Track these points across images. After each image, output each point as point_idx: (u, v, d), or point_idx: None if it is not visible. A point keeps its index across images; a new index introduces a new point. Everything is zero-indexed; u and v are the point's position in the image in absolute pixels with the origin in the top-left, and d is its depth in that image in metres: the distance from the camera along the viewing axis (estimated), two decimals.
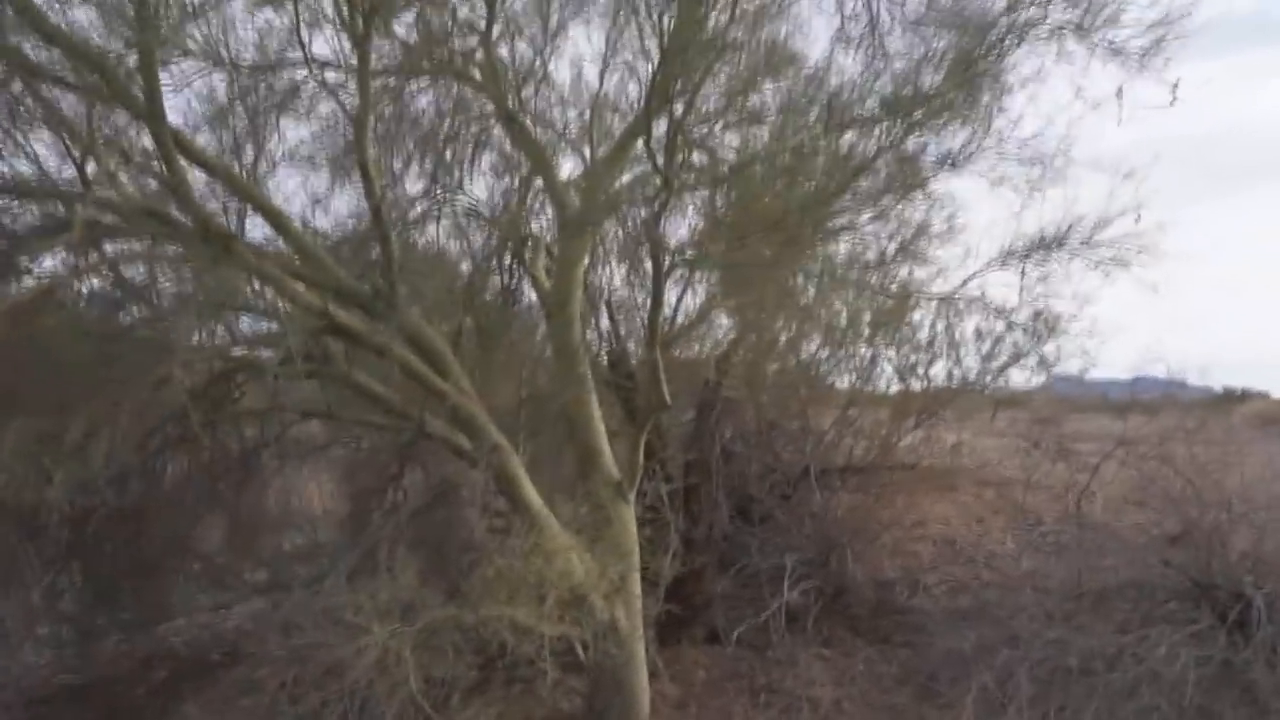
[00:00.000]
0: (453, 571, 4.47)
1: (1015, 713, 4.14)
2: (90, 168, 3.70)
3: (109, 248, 4.36)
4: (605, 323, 6.12)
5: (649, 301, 4.42)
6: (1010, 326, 8.61)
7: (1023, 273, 6.43)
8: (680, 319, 5.39)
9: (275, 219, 4.27)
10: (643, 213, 4.06)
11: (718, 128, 4.83)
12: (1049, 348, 7.93)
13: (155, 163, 3.70)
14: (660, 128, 4.20)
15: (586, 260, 5.82)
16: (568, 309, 5.34)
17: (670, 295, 5.88)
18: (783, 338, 8.26)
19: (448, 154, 6.55)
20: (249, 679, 3.99)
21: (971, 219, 8.98)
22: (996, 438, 10.22)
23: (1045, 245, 6.21)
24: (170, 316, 3.70)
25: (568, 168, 6.23)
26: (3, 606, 6.03)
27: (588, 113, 5.78)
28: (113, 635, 6.36)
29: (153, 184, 4.20)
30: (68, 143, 3.77)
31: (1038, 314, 6.97)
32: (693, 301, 5.98)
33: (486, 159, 6.74)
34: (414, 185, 6.67)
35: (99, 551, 5.76)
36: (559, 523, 4.98)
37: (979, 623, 5.42)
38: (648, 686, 5.38)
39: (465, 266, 6.45)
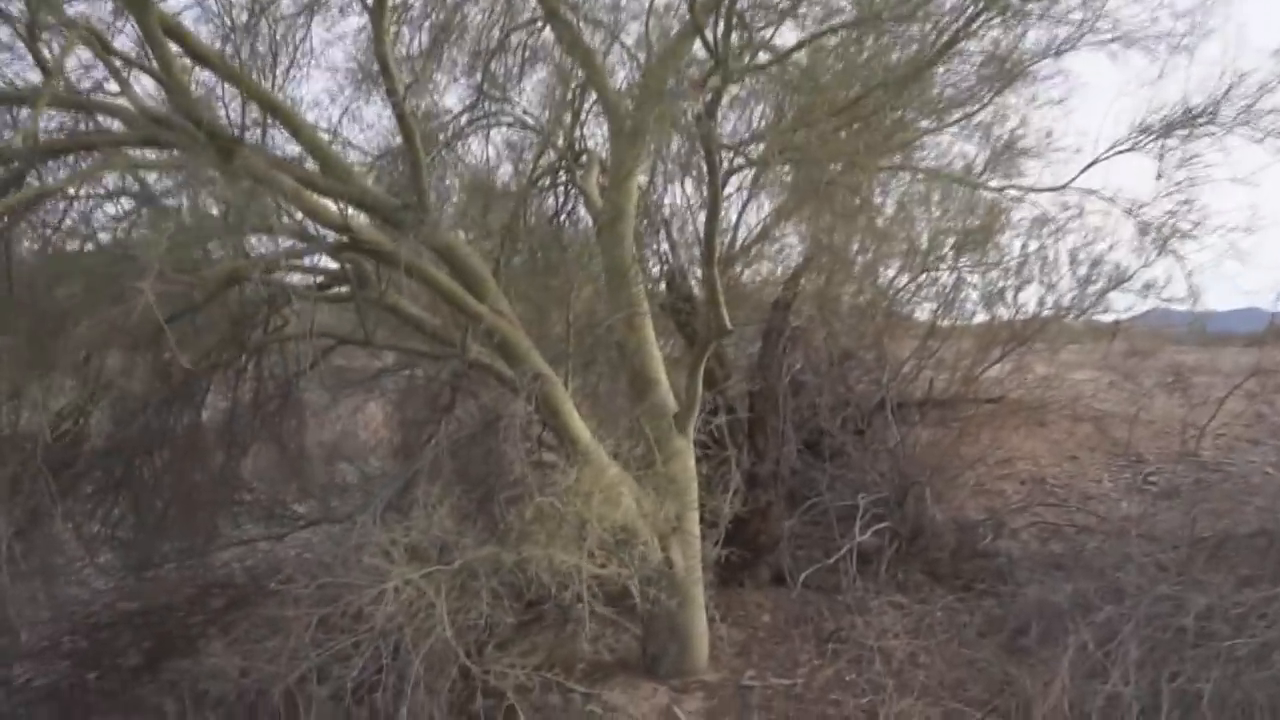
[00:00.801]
0: (495, 509, 4.14)
1: (1120, 678, 3.62)
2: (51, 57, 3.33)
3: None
4: (664, 244, 5.62)
5: (706, 212, 3.90)
6: (1113, 246, 7.85)
7: (1160, 154, 5.31)
8: (744, 236, 4.85)
9: (290, 121, 3.88)
10: (697, 105, 3.49)
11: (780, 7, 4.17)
12: (1159, 270, 7.13)
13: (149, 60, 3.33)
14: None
15: (642, 175, 5.32)
16: (620, 225, 4.85)
17: (732, 209, 5.33)
18: (858, 260, 7.65)
19: (495, 65, 6.06)
20: (278, 617, 3.75)
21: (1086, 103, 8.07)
22: (1092, 371, 9.45)
23: (1186, 121, 5.15)
24: (149, 228, 3.38)
25: (622, 75, 5.69)
26: (64, 534, 6.02)
27: (643, 14, 5.20)
28: (169, 564, 6.33)
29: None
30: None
31: (1152, 227, 6.04)
32: (757, 216, 5.39)
33: (538, 72, 6.26)
34: (459, 98, 6.24)
35: (146, 481, 5.66)
36: (609, 458, 4.61)
37: (1075, 573, 4.87)
38: (706, 631, 5.03)
39: (513, 184, 6.00)
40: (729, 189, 5.23)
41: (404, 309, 4.83)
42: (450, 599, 3.62)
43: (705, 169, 3.92)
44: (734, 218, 5.35)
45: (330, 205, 3.94)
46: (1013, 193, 6.48)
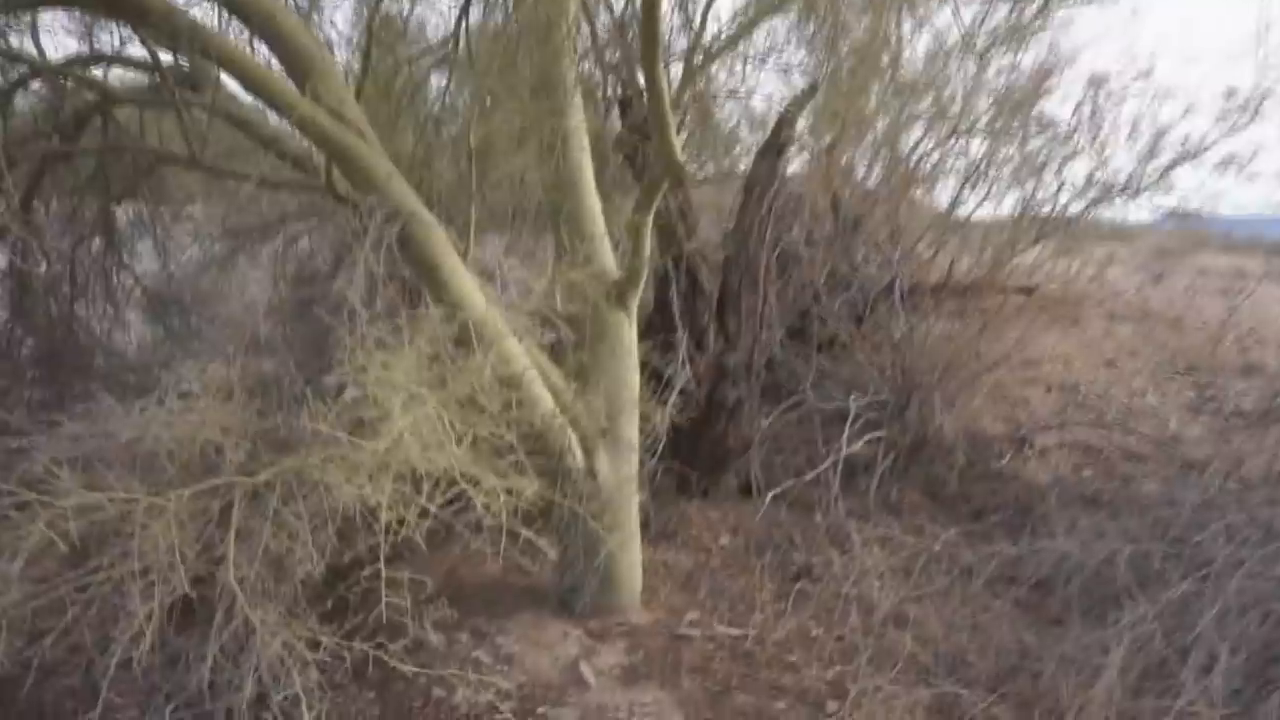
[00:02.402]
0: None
1: (1199, 690, 2.51)
2: None
3: None
4: (616, 53, 4.18)
5: None
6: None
7: None
8: (717, 34, 3.45)
9: None
10: None
11: None
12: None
13: None
14: None
15: None
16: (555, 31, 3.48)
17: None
18: (874, 113, 6.23)
19: None
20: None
21: None
22: (1136, 268, 8.13)
23: None
24: None
25: None
26: None
27: None
28: None
29: None
30: None
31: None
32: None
33: None
34: None
35: None
36: (513, 336, 3.40)
37: (1123, 515, 3.74)
38: (639, 560, 3.95)
39: None
40: None
41: (248, 120, 3.53)
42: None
43: None
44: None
45: None
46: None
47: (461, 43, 4.03)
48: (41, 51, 3.72)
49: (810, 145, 5.79)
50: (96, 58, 3.73)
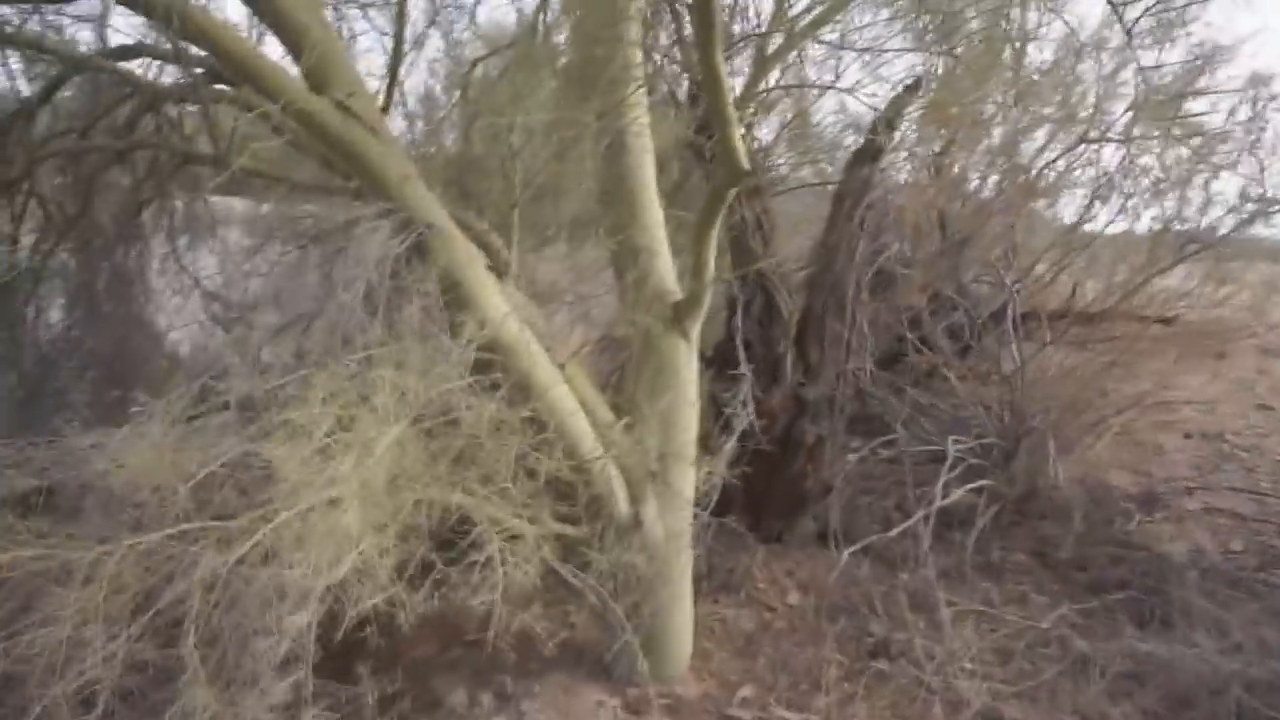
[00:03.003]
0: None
1: None
2: None
3: None
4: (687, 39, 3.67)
5: None
6: None
7: None
8: (796, 18, 2.91)
9: None
10: None
11: None
12: None
13: None
14: None
15: None
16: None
17: None
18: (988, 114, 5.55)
19: None
20: None
21: None
22: None
23: None
24: None
25: None
26: None
27: None
28: None
29: None
30: None
31: None
32: None
33: None
34: None
35: None
36: (553, 363, 2.98)
37: None
38: (690, 622, 3.46)
39: None
40: None
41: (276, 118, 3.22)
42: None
43: None
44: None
45: None
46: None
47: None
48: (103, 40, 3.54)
49: (916, 151, 5.19)
50: (129, 50, 3.50)
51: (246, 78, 2.37)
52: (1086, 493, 4.52)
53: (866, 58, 3.71)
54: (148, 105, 3.85)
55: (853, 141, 4.22)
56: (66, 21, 3.81)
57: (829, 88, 3.69)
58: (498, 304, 2.82)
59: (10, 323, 4.73)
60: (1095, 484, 4.63)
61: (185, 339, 5.21)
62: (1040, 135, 5.85)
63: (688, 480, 3.40)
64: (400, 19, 3.06)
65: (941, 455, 4.41)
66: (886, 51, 3.62)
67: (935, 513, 4.20)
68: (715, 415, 4.01)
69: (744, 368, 3.82)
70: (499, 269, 3.15)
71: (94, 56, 3.52)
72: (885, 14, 3.47)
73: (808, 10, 2.98)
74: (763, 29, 3.34)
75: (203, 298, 5.20)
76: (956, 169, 5.70)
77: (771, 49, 3.05)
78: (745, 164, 2.63)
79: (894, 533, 4.02)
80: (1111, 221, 5.67)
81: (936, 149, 4.86)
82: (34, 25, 3.58)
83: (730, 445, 3.42)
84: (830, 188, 4.54)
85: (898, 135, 4.25)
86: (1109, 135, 5.63)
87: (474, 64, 4.40)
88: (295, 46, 2.46)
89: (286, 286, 5.27)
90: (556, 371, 2.93)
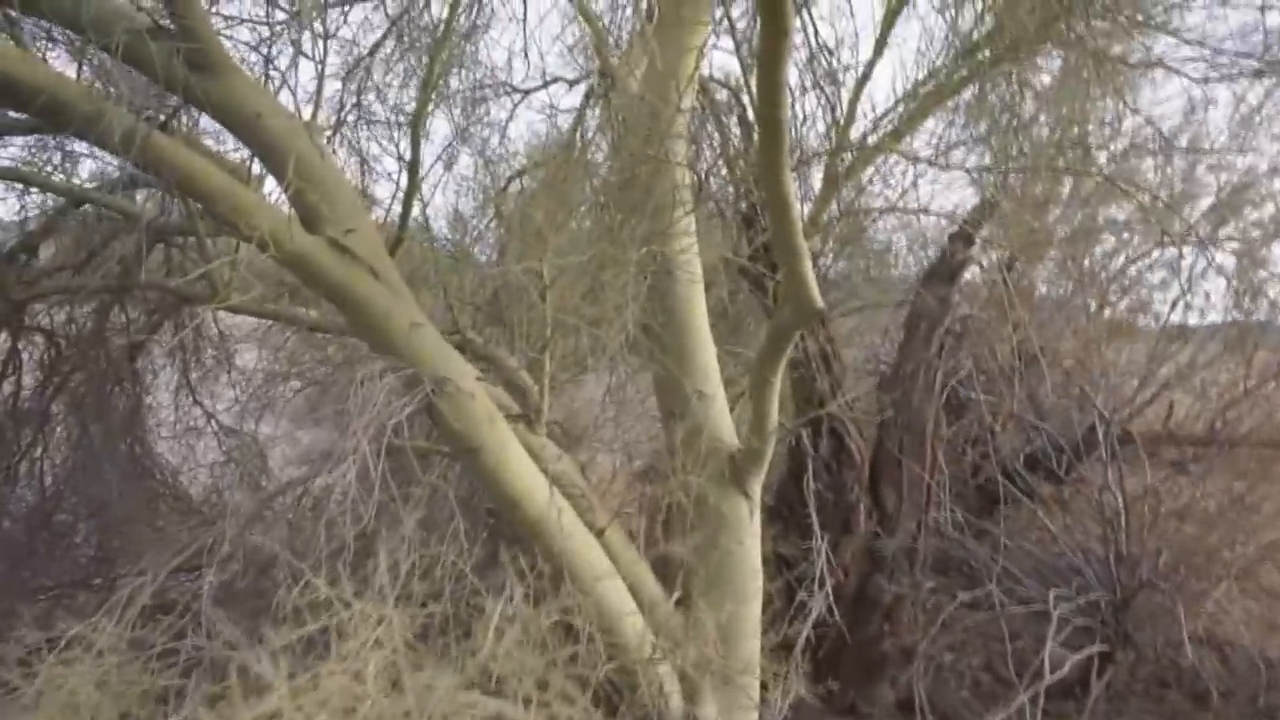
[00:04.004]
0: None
1: None
2: None
3: None
4: (734, 145, 3.26)
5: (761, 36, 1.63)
6: None
7: None
8: (865, 128, 2.49)
9: None
10: None
11: None
12: None
13: None
14: None
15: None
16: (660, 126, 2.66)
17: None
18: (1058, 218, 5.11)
19: None
20: None
21: None
22: None
23: None
24: None
25: None
26: None
27: None
28: None
29: None
30: None
31: None
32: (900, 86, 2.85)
33: None
34: None
35: None
36: (593, 535, 2.49)
37: None
38: None
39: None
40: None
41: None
42: None
43: None
44: (847, 93, 2.81)
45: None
46: None
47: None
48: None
49: (985, 264, 4.74)
50: (133, 180, 3.21)
51: (224, 214, 1.99)
52: (1219, 655, 3.84)
53: (935, 172, 3.28)
54: (155, 238, 3.56)
55: (921, 258, 3.78)
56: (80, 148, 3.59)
57: (909, 211, 3.23)
58: (526, 470, 2.36)
59: (9, 466, 4.41)
60: (1229, 644, 3.94)
61: (194, 479, 4.83)
62: (1121, 239, 5.41)
63: (753, 665, 2.83)
64: (415, 139, 2.70)
65: (1044, 615, 3.78)
66: (955, 169, 3.18)
67: (1042, 688, 3.56)
68: (778, 570, 3.47)
69: (813, 519, 3.28)
70: (529, 416, 2.72)
71: (93, 190, 3.24)
72: (956, 123, 3.06)
73: (878, 121, 2.59)
74: (824, 137, 2.94)
75: (218, 432, 4.84)
76: (1027, 280, 5.23)
77: (841, 166, 2.64)
78: (818, 301, 2.18)
79: (999, 715, 3.37)
80: (1216, 332, 5.14)
81: (1011, 261, 4.40)
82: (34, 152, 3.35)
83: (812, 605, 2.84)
84: (897, 306, 4.08)
85: (974, 250, 3.79)
86: (1196, 236, 5.15)
87: (508, 181, 4.11)
88: (283, 177, 2.09)
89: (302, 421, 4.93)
90: (598, 553, 2.43)
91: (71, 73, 2.04)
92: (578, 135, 3.38)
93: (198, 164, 1.94)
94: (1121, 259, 5.49)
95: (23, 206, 3.86)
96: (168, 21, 2.00)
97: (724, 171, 3.42)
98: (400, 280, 2.25)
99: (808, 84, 2.63)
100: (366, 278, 2.12)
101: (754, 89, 2.40)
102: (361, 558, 1.92)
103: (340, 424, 3.93)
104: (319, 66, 2.21)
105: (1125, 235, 5.49)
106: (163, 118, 1.99)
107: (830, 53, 2.49)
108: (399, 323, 2.15)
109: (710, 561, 2.77)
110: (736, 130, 3.03)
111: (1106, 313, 5.48)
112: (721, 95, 2.91)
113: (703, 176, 2.73)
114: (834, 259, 3.65)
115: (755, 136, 1.84)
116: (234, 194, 1.97)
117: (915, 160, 2.72)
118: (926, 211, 3.16)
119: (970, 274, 4.93)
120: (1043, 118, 4.03)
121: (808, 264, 2.08)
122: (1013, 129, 3.49)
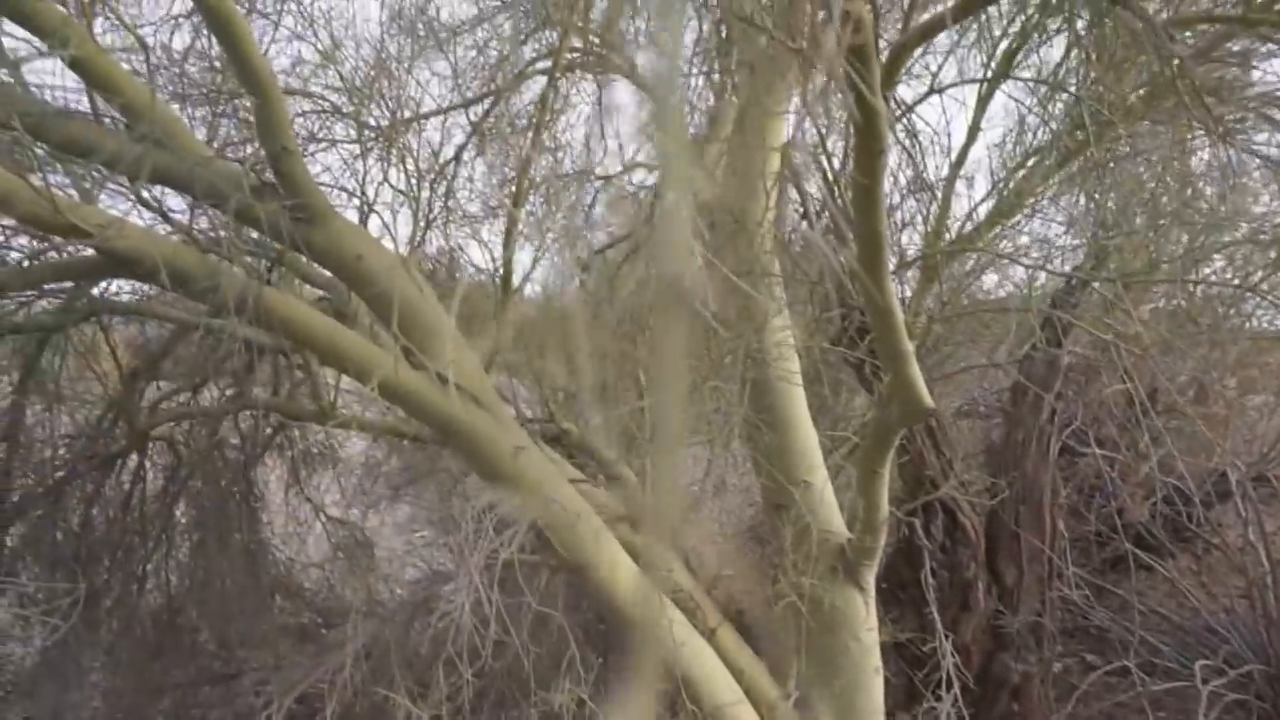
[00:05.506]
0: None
1: None
2: None
3: None
4: (824, 221, 3.21)
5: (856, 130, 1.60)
6: None
7: None
8: (969, 213, 2.41)
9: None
10: None
11: None
12: None
13: None
14: None
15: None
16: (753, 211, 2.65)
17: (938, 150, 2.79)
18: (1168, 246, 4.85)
19: None
20: None
21: None
22: None
23: None
24: None
25: None
26: None
27: None
28: None
29: None
30: None
31: None
32: (998, 168, 2.76)
33: None
34: None
35: None
36: (706, 636, 2.45)
37: None
38: None
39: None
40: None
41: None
42: None
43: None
44: (944, 184, 2.75)
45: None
46: None
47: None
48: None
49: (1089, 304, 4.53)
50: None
51: (327, 358, 2.06)
52: None
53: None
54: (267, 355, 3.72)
55: (1020, 320, 3.62)
56: None
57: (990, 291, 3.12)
58: (631, 584, 2.33)
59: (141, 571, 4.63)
60: None
61: (306, 572, 4.97)
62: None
63: None
64: (508, 255, 2.76)
65: (1191, 689, 3.53)
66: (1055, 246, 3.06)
67: None
68: (898, 657, 3.34)
69: (929, 600, 3.15)
70: (633, 519, 2.70)
71: (203, 318, 3.41)
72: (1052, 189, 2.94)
73: (973, 211, 2.52)
74: (906, 218, 2.87)
75: (325, 524, 4.99)
76: (1136, 319, 4.98)
77: (939, 255, 2.58)
78: (928, 400, 2.11)
79: None
80: None
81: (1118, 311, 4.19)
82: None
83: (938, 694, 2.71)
84: (998, 368, 3.93)
85: (1077, 300, 3.62)
86: None
87: (597, 252, 4.16)
88: (384, 314, 2.15)
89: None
90: (721, 679, 2.38)
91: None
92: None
93: (302, 313, 2.02)
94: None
95: (143, 329, 4.13)
96: (270, 177, 2.11)
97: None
98: (499, 402, 2.28)
99: (901, 189, 2.60)
100: (470, 407, 2.15)
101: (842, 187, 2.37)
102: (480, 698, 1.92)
103: (444, 528, 4.01)
104: (415, 206, 2.27)
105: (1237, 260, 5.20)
106: (269, 272, 2.09)
107: (922, 158, 2.45)
108: (504, 449, 2.17)
109: (824, 657, 2.69)
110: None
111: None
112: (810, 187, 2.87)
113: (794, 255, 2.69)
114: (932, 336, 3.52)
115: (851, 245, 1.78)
116: (337, 339, 2.04)
117: (1013, 260, 2.63)
118: (1028, 264, 3.02)
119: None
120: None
121: (915, 367, 2.02)
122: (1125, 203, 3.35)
